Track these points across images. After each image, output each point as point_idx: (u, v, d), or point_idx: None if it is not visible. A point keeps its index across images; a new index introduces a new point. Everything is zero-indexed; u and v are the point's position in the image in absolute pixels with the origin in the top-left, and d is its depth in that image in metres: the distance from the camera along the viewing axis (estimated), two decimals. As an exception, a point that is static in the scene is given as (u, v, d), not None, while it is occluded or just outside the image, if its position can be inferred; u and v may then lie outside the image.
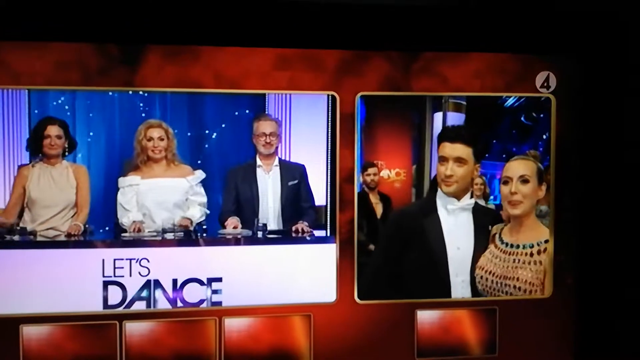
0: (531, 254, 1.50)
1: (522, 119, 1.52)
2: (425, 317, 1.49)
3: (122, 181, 1.46)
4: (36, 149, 1.41)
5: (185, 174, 1.49)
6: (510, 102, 1.51)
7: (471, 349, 1.52)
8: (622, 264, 1.51)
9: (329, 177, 1.48)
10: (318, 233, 1.49)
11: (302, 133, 1.49)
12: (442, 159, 1.48)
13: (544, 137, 1.52)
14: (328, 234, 1.48)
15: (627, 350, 1.50)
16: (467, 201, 1.50)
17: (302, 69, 1.43)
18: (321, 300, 1.46)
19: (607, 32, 1.50)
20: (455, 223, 1.51)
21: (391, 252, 1.49)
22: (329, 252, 1.46)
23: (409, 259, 1.48)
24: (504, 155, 1.51)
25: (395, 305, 1.48)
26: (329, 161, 1.47)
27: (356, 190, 1.47)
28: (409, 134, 1.50)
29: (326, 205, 1.49)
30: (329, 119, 1.46)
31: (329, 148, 1.47)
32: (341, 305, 1.46)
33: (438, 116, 1.50)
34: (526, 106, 1.52)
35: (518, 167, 1.49)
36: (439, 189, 1.49)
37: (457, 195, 1.50)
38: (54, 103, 1.41)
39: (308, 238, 1.48)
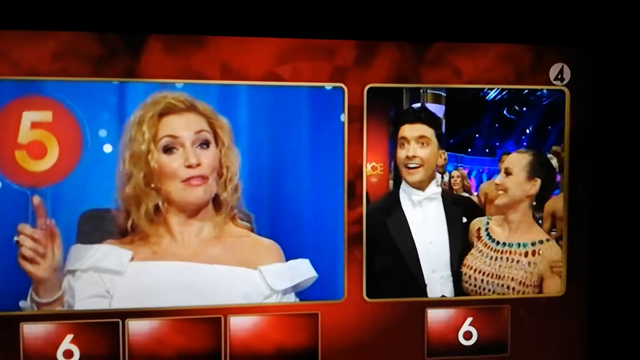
0: (526, 254, 1.47)
1: (505, 112, 1.48)
2: (436, 316, 1.47)
3: None
4: None
5: None
6: (492, 95, 1.47)
7: (482, 348, 1.49)
8: (637, 263, 1.48)
9: (336, 172, 1.44)
10: (326, 229, 1.46)
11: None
12: (402, 141, 1.43)
13: (527, 131, 1.48)
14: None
15: (642, 351, 1.48)
16: (433, 190, 1.46)
17: (308, 60, 1.39)
18: (329, 298, 1.43)
19: (623, 23, 1.46)
20: (424, 215, 1.46)
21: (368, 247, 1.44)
22: (337, 249, 1.43)
23: (379, 261, 1.44)
24: (486, 150, 1.47)
25: (405, 303, 1.45)
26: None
27: (364, 186, 1.43)
28: (385, 127, 1.45)
29: (334, 201, 1.45)
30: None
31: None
32: (349, 303, 1.43)
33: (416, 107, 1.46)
34: (509, 100, 1.47)
35: (514, 159, 1.45)
36: (402, 182, 1.45)
37: (422, 186, 1.45)
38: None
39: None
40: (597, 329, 1.51)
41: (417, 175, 1.44)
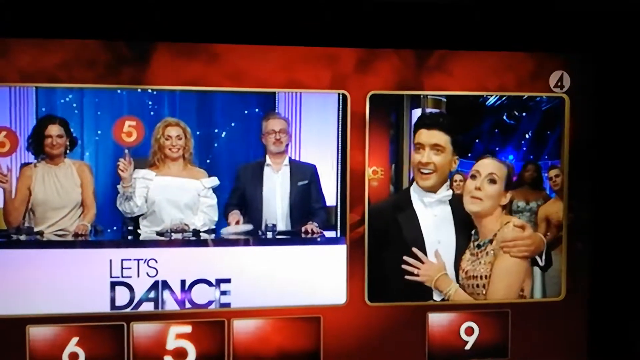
0: (487, 249, 1.46)
1: (505, 117, 1.49)
2: (437, 320, 1.48)
3: (136, 173, 1.44)
4: (38, 149, 1.38)
5: (200, 176, 1.47)
6: (492, 100, 1.48)
7: (483, 351, 1.50)
8: (636, 267, 1.49)
9: (339, 177, 1.45)
10: (328, 234, 1.47)
11: (313, 132, 1.47)
12: (418, 146, 1.44)
13: (527, 136, 1.50)
14: (338, 235, 1.46)
15: (641, 354, 1.48)
16: (444, 193, 1.47)
17: (312, 67, 1.41)
18: (331, 302, 1.44)
19: (622, 31, 1.48)
20: (434, 216, 1.47)
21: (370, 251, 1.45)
22: (339, 254, 1.44)
23: (387, 258, 1.45)
24: (487, 155, 1.48)
25: (406, 307, 1.46)
26: (339, 161, 1.45)
27: (367, 190, 1.45)
28: (386, 131, 1.46)
29: (336, 206, 1.47)
30: (340, 118, 1.44)
31: (340, 147, 1.45)
32: (351, 307, 1.44)
33: (416, 113, 1.47)
34: (508, 105, 1.49)
35: (489, 165, 1.45)
36: (414, 183, 1.46)
37: (434, 188, 1.47)
38: (62, 101, 1.38)
39: (318, 239, 1.46)
40: (598, 332, 1.52)
41: (430, 181, 1.46)
